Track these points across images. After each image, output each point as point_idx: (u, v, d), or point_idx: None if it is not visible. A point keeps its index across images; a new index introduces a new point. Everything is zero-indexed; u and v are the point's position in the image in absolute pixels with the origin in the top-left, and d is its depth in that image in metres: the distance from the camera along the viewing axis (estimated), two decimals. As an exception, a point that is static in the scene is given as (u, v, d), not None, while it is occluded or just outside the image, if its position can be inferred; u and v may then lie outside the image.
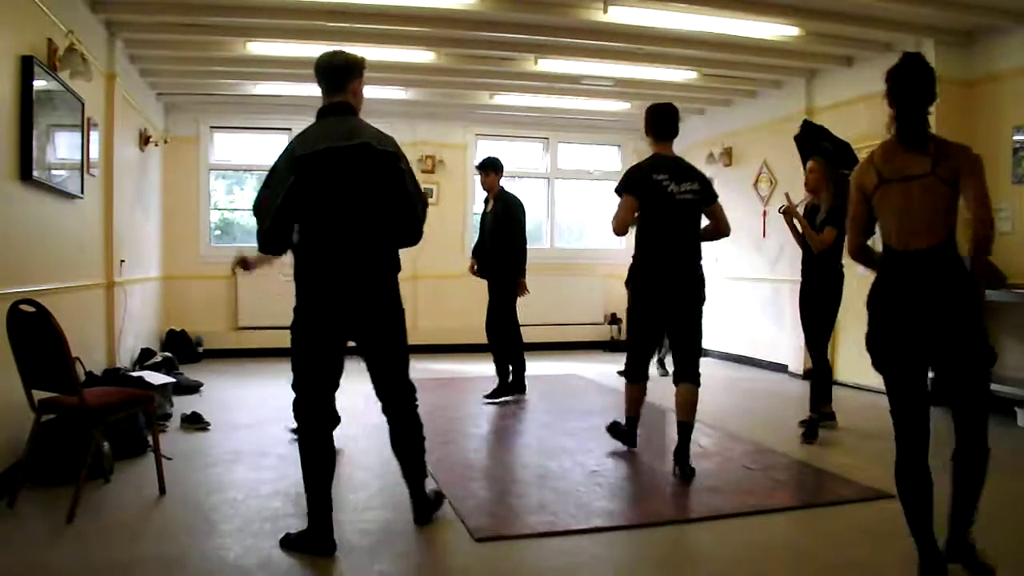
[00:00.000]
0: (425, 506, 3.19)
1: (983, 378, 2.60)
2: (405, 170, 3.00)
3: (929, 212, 2.55)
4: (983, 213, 2.52)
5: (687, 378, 4.02)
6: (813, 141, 5.06)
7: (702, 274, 4.07)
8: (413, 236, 3.07)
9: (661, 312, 4.07)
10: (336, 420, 3.09)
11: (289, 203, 2.88)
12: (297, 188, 2.87)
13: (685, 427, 3.95)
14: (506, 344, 5.91)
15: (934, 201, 2.55)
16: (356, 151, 2.91)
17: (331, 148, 2.89)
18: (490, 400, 5.95)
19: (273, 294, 6.62)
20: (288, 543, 2.94)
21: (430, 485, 3.36)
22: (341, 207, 2.91)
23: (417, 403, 3.19)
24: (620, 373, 5.21)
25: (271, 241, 2.96)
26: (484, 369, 6.80)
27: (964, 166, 2.54)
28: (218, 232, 8.85)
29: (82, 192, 4.86)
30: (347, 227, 2.92)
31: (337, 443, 4.57)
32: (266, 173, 3.00)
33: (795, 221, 4.89)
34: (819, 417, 4.91)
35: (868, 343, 2.68)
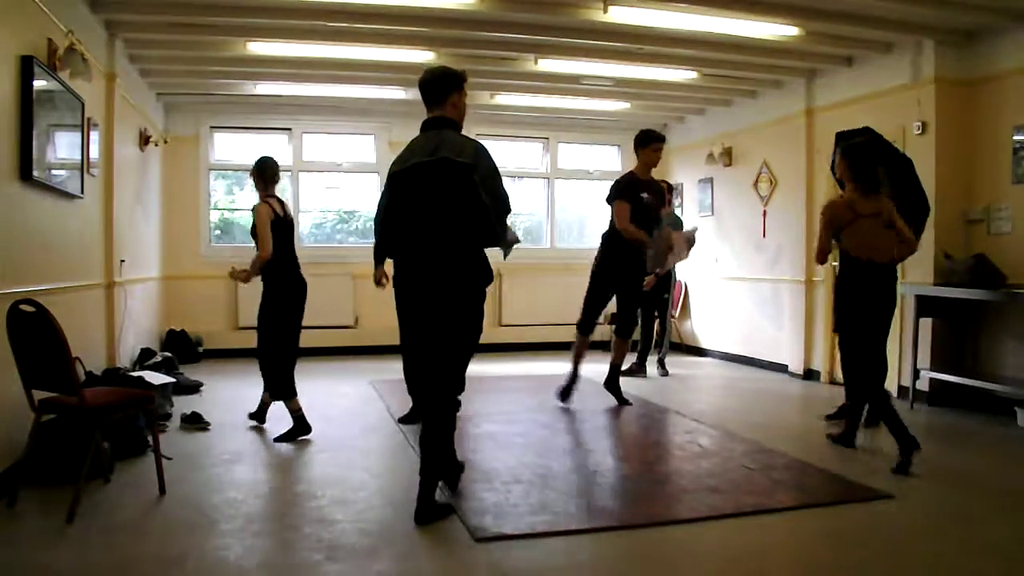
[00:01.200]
0: (428, 507, 3.19)
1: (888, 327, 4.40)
2: (479, 180, 3.13)
3: (884, 238, 4.20)
4: (912, 238, 4.33)
5: (618, 333, 5.66)
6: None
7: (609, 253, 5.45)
8: (487, 241, 3.25)
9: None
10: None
11: (389, 215, 3.26)
12: (393, 201, 3.25)
13: (614, 367, 5.67)
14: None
15: (885, 231, 4.18)
16: (437, 165, 3.16)
17: (418, 164, 3.19)
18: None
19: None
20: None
21: (442, 498, 3.38)
22: (423, 217, 3.18)
23: (452, 405, 3.28)
24: (624, 372, 5.40)
25: (381, 247, 3.40)
26: (483, 368, 6.81)
27: (893, 210, 4.22)
28: (218, 232, 8.84)
29: (82, 192, 4.87)
30: (426, 235, 3.18)
31: (336, 443, 4.60)
32: None
33: None
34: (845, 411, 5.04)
35: (839, 315, 4.36)
